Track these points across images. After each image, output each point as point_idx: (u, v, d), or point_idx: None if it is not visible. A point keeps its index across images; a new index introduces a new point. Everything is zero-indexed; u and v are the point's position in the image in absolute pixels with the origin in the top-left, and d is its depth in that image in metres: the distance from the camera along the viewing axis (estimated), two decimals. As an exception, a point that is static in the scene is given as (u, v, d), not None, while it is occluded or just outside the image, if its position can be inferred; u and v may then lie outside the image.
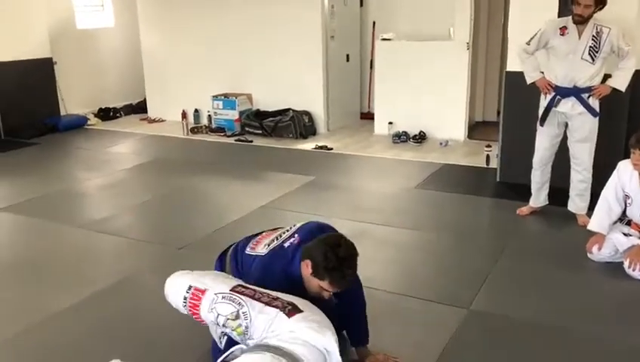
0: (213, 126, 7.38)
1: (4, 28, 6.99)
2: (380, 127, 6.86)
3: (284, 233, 2.61)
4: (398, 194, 4.82)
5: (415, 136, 6.45)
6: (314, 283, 2.30)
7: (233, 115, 7.23)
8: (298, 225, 2.64)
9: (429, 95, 6.50)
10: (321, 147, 6.35)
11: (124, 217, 4.48)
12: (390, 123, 6.71)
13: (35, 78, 7.39)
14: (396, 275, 3.40)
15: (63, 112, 7.86)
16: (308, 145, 6.50)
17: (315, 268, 2.27)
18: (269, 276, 2.39)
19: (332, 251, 2.25)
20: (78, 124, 7.70)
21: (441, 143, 6.29)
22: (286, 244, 2.50)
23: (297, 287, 2.33)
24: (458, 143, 6.36)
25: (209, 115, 7.52)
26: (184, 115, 7.44)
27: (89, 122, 7.90)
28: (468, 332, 2.77)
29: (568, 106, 3.89)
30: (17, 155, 6.46)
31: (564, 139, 4.04)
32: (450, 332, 2.74)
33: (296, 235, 2.53)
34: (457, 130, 6.48)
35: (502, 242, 3.81)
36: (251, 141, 6.79)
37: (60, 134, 7.32)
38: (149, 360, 2.59)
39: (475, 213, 4.44)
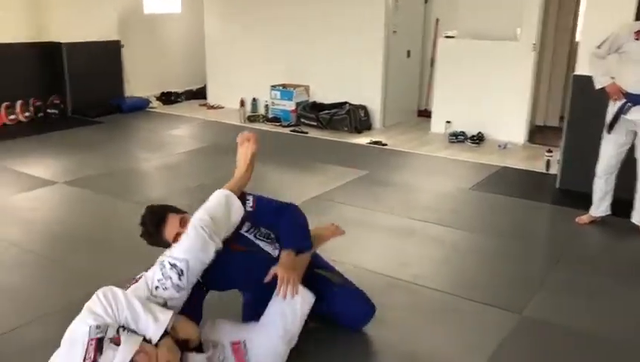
0: (270, 115, 7.46)
1: (77, 10, 7.28)
2: (437, 125, 6.77)
3: None
4: (453, 195, 4.75)
5: (473, 136, 6.33)
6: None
7: (290, 105, 7.29)
8: None
9: (489, 95, 6.37)
10: (375, 142, 6.32)
11: (180, 198, 4.57)
12: (448, 122, 6.61)
13: (103, 59, 7.66)
14: (447, 275, 3.35)
15: (127, 94, 8.11)
16: (362, 139, 6.49)
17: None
18: None
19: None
20: (140, 106, 7.93)
21: (499, 145, 6.16)
22: None
23: None
24: (517, 146, 6.21)
25: (266, 105, 7.61)
26: (242, 103, 7.56)
27: (151, 105, 8.13)
28: (519, 339, 2.71)
29: (639, 114, 3.73)
30: (83, 133, 6.72)
31: (631, 148, 3.89)
32: (500, 337, 2.68)
33: None
34: (517, 133, 6.32)
35: (558, 250, 3.70)
36: (306, 132, 6.83)
37: (123, 115, 7.56)
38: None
39: (531, 218, 4.33)
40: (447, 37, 6.67)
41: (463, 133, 6.37)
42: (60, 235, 3.79)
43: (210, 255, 2.29)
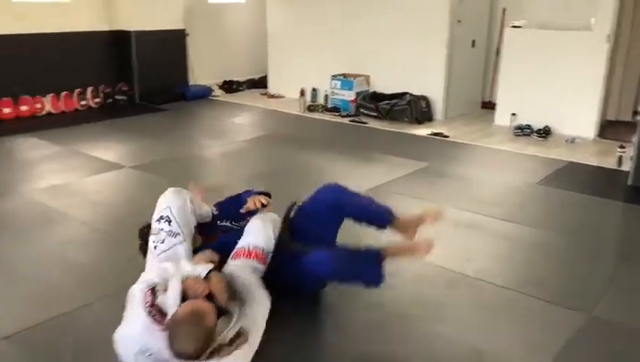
0: (329, 105, 7.46)
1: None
2: (502, 117, 6.58)
3: None
4: (518, 189, 4.61)
5: (539, 130, 6.12)
6: None
7: (350, 95, 7.26)
8: None
9: (558, 88, 6.13)
10: (436, 134, 6.21)
11: (240, 184, 4.64)
12: (513, 114, 6.41)
13: (169, 47, 7.86)
14: (512, 271, 3.26)
15: (191, 82, 8.29)
16: (423, 130, 6.39)
17: None
18: None
19: None
20: (203, 95, 8.10)
21: (567, 140, 5.93)
22: None
23: None
24: (587, 141, 5.96)
25: (326, 95, 7.61)
26: (302, 93, 7.59)
27: (213, 93, 8.29)
28: (586, 339, 2.60)
29: None
30: (149, 119, 6.92)
31: None
32: (566, 337, 2.59)
33: None
34: (587, 128, 6.07)
35: (629, 249, 3.53)
36: (365, 123, 6.79)
37: (187, 102, 7.74)
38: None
39: (601, 215, 4.15)
40: (515, 26, 6.46)
41: (528, 126, 6.17)
42: (125, 217, 3.90)
43: (185, 198, 2.58)
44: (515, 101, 6.46)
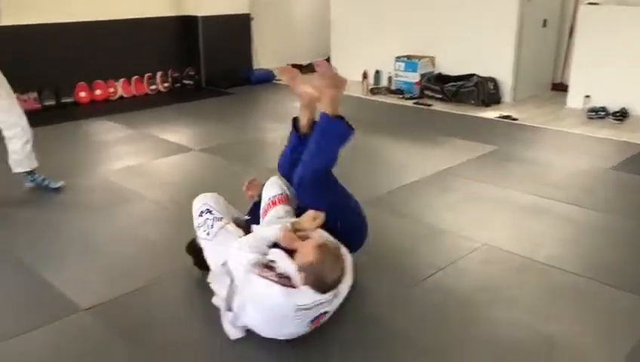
0: (393, 87, 7.38)
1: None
2: (574, 99, 6.31)
3: None
4: (590, 174, 4.43)
5: (615, 112, 5.83)
6: None
7: (414, 77, 7.15)
8: None
9: (636, 68, 5.81)
10: (505, 116, 6.03)
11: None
12: (587, 96, 6.14)
13: (234, 32, 7.97)
14: (583, 258, 3.15)
15: (255, 66, 8.40)
16: (490, 113, 6.22)
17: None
18: None
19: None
20: (267, 79, 8.18)
21: (645, 123, 5.64)
22: None
23: None
24: (667, 125, 5.64)
25: (389, 77, 7.53)
26: (365, 76, 7.53)
27: (277, 77, 8.35)
28: (666, 331, 2.49)
29: None
30: (215, 103, 7.07)
31: None
32: (641, 326, 2.49)
33: None
34: (668, 110, 5.75)
35: None
36: (430, 105, 6.67)
37: (251, 87, 7.86)
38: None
39: (682, 203, 3.93)
40: (590, 4, 6.15)
41: (603, 109, 5.89)
42: (193, 197, 4.03)
43: (217, 195, 2.79)
44: (589, 82, 6.17)
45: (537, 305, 2.68)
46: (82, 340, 2.44)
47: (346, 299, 2.41)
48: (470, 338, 2.45)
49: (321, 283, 2.19)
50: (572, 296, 2.75)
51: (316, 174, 2.68)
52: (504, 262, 3.05)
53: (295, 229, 2.41)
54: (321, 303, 2.19)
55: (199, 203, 2.74)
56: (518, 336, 2.45)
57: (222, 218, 2.64)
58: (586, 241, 3.35)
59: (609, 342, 2.40)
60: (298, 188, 2.73)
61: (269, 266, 2.18)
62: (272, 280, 2.12)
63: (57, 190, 4.11)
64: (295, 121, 3.01)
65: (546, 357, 2.32)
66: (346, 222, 2.68)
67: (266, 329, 2.27)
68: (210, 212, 2.65)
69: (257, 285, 2.13)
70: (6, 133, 3.90)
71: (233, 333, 2.36)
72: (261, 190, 2.92)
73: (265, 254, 2.30)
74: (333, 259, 2.23)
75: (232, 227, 2.64)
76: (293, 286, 2.13)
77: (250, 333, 2.36)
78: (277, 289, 2.11)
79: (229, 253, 2.34)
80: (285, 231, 2.37)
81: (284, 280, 2.14)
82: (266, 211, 2.66)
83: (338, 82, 2.81)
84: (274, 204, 2.66)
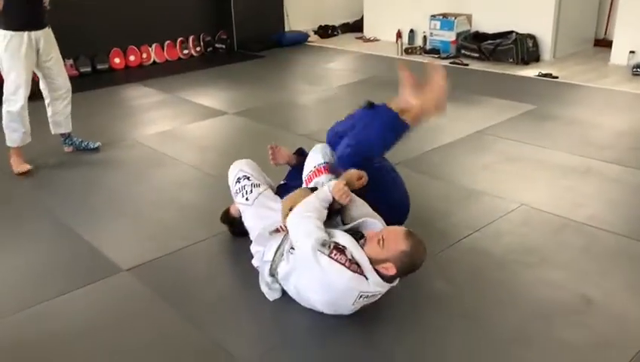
0: (428, 47, 7.20)
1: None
2: (619, 55, 6.06)
3: None
4: (635, 132, 4.27)
5: (662, 68, 5.60)
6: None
7: (450, 36, 6.96)
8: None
9: (686, 20, 5.53)
10: (545, 75, 5.84)
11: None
12: (632, 52, 5.88)
13: (265, -6, 7.87)
14: (626, 218, 3.06)
15: (286, 28, 8.30)
16: (530, 71, 6.03)
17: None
18: None
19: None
20: (299, 40, 8.09)
21: (694, 78, 5.39)
22: None
23: None
24: None
25: (424, 36, 7.35)
26: (399, 35, 7.37)
27: (309, 39, 8.26)
28: None
29: None
30: (248, 67, 7.04)
31: None
32: (688, 289, 2.42)
33: None
34: None
35: None
36: (467, 64, 6.51)
37: (283, 49, 7.78)
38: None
39: None
40: (638, -47, 5.84)
41: (649, 65, 5.65)
42: (231, 161, 4.03)
43: (251, 161, 2.82)
44: (635, 38, 5.91)
45: (576, 265, 2.63)
46: (124, 300, 2.51)
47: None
48: (506, 299, 2.42)
49: (412, 268, 2.21)
50: (613, 257, 2.69)
51: (362, 161, 2.60)
52: (543, 223, 3.00)
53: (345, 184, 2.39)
54: (382, 293, 2.22)
55: (235, 169, 2.76)
56: (555, 296, 2.41)
57: (259, 184, 2.67)
58: (631, 201, 3.25)
59: (651, 304, 2.35)
60: (339, 161, 2.68)
61: (339, 249, 2.15)
62: (344, 265, 2.11)
63: (96, 150, 4.24)
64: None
65: (582, 316, 2.29)
66: (388, 202, 2.65)
67: (318, 303, 2.27)
68: (247, 178, 2.68)
69: (328, 267, 2.12)
70: (52, 95, 4.00)
71: (271, 295, 2.39)
72: (287, 158, 2.96)
73: (327, 231, 2.25)
74: (421, 242, 2.22)
75: (269, 192, 2.66)
76: (362, 274, 2.13)
77: (285, 295, 2.38)
78: (349, 274, 2.11)
79: (290, 221, 2.28)
80: (338, 185, 2.34)
81: (355, 267, 2.13)
82: (310, 178, 2.63)
83: (441, 105, 2.80)
84: (319, 172, 2.62)
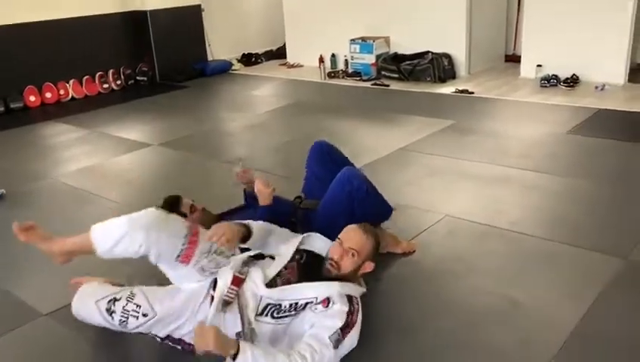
0: (350, 70, 7.37)
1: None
2: (527, 69, 6.42)
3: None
4: (547, 140, 4.52)
5: (567, 79, 5.96)
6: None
7: (370, 58, 7.16)
8: None
9: (584, 34, 5.94)
10: (461, 91, 6.10)
11: (268, 156, 4.67)
12: (539, 65, 6.25)
13: (186, 24, 7.84)
14: (546, 221, 3.21)
15: (209, 58, 8.27)
16: (447, 88, 6.28)
17: None
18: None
19: None
20: (223, 69, 8.08)
21: (596, 87, 5.76)
22: None
23: None
24: (617, 87, 5.78)
25: (345, 60, 7.52)
26: (321, 60, 7.50)
27: (233, 67, 8.27)
28: (623, 284, 2.56)
29: None
30: (171, 97, 6.95)
31: None
32: (603, 283, 2.55)
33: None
34: (616, 73, 5.88)
35: (668, 193, 3.44)
36: (388, 85, 6.70)
37: (207, 78, 7.74)
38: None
39: (634, 160, 4.04)
40: (536, -26, 6.25)
41: (555, 77, 6.01)
42: (155, 193, 3.93)
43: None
44: (541, 52, 6.29)
45: (502, 270, 2.73)
46: (45, 344, 2.38)
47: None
48: (439, 308, 2.47)
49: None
50: (536, 259, 2.80)
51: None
52: (467, 232, 3.09)
53: None
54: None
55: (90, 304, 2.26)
56: (484, 302, 2.49)
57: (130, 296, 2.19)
58: (548, 205, 3.42)
59: (570, 300, 2.46)
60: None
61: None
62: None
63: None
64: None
65: (512, 319, 2.36)
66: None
67: None
68: (115, 301, 2.19)
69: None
70: None
71: None
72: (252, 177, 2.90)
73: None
74: (367, 225, 2.31)
75: (142, 294, 2.20)
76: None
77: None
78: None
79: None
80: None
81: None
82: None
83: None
84: None
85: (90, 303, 2.25)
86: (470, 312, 2.42)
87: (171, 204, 2.70)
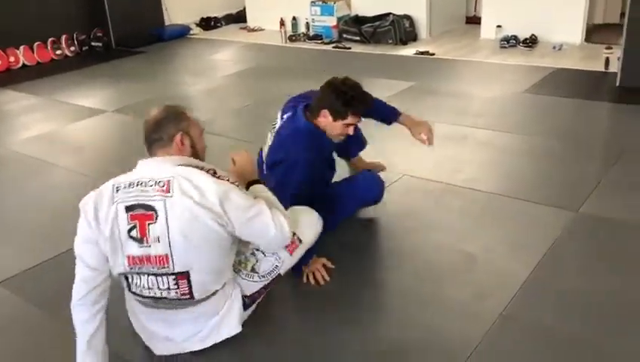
0: (311, 34, 7.26)
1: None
2: (487, 31, 6.43)
3: (272, 128, 2.72)
4: (505, 99, 4.56)
5: (525, 40, 5.99)
6: (337, 126, 2.45)
7: (331, 21, 7.06)
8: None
9: (543, -5, 5.97)
10: (422, 52, 6.08)
11: (227, 120, 4.60)
12: (498, 26, 6.27)
13: (141, -12, 7.57)
14: (501, 178, 3.26)
15: (167, 22, 8.04)
16: (408, 50, 6.26)
17: (334, 111, 2.41)
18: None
19: (340, 88, 2.44)
20: (181, 34, 7.87)
21: (554, 47, 5.82)
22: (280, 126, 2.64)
23: (324, 143, 2.52)
24: (574, 47, 5.85)
25: (307, 23, 7.40)
26: (282, 23, 7.37)
27: (191, 32, 8.06)
28: (574, 235, 2.64)
29: None
30: (127, 63, 6.75)
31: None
32: (555, 235, 2.61)
33: (284, 115, 2.67)
34: (573, 33, 5.94)
35: (619, 147, 3.52)
36: (349, 48, 6.63)
37: (164, 43, 7.53)
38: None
39: (590, 117, 4.12)
40: None
41: (514, 37, 6.03)
42: (110, 160, 3.86)
43: None
44: (500, 13, 6.30)
45: (459, 226, 2.77)
46: (-2, 314, 2.33)
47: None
48: (397, 264, 2.51)
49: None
50: (491, 215, 2.86)
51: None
52: (424, 190, 3.12)
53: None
54: None
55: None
56: (441, 257, 2.53)
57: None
58: (502, 162, 3.48)
59: (523, 253, 2.51)
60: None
61: None
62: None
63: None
64: None
65: (466, 273, 2.41)
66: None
67: None
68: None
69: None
70: None
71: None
72: None
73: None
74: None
75: None
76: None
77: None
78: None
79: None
80: None
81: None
82: None
83: None
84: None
85: None
86: (429, 267, 2.47)
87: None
